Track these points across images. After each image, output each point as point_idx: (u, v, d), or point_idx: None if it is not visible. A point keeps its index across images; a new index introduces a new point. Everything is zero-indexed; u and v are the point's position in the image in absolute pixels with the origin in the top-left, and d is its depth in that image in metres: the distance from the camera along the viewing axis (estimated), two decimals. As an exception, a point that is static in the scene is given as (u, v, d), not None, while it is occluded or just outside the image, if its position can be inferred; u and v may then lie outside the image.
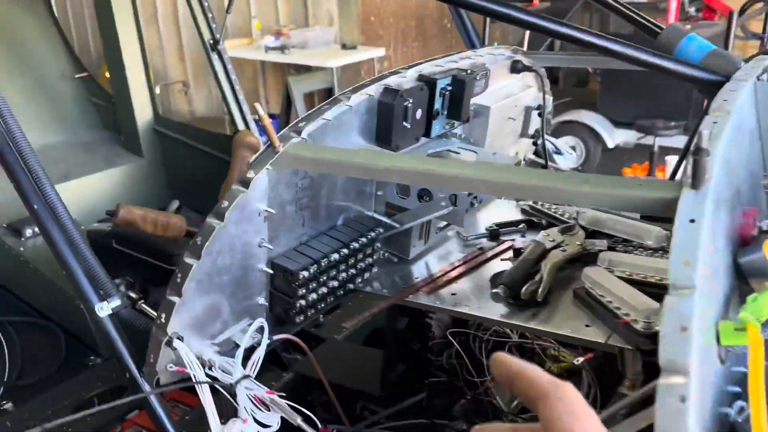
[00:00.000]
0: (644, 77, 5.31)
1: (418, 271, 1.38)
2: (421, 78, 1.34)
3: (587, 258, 1.30)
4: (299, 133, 1.07)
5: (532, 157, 1.95)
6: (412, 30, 6.67)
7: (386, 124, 1.26)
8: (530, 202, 1.59)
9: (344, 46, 5.92)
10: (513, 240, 1.46)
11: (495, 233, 1.49)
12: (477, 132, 1.58)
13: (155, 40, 6.55)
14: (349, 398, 1.72)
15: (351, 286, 1.28)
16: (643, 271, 1.17)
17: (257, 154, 1.04)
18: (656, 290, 1.12)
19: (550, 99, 1.72)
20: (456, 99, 1.40)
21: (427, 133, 1.39)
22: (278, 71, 6.73)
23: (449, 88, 1.38)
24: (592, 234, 1.39)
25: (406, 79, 1.31)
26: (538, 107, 1.74)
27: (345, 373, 1.69)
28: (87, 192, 3.03)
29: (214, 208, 0.99)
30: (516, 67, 1.73)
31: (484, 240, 1.49)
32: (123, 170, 3.21)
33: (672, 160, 5.73)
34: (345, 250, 1.21)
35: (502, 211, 1.61)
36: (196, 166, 3.21)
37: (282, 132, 1.07)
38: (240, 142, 1.90)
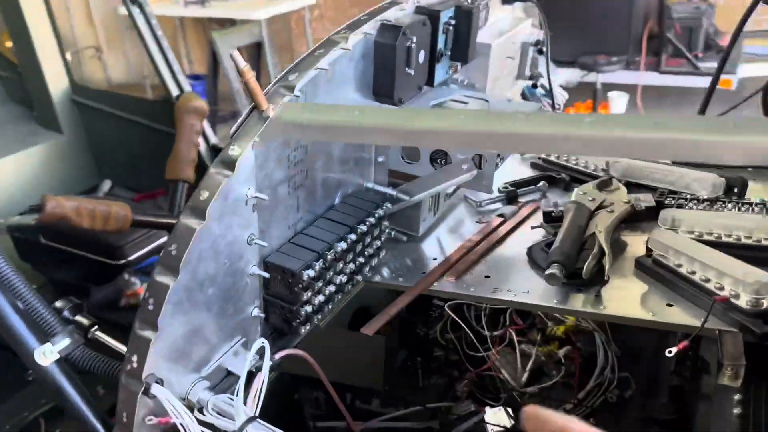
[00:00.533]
0: (583, 12, 5.17)
1: (432, 249, 1.14)
2: (420, 10, 1.08)
3: (634, 217, 1.10)
4: (292, 89, 0.79)
5: (521, 101, 1.72)
6: (341, -26, 6.27)
7: (387, 72, 1.00)
8: (543, 154, 1.36)
9: (271, -5, 5.49)
10: (536, 201, 1.24)
11: (512, 195, 1.26)
12: (476, 75, 1.33)
13: (60, 3, 5.91)
14: (340, 391, 1.50)
15: (359, 278, 1.03)
16: (717, 228, 0.97)
17: (240, 120, 0.77)
18: (737, 252, 0.93)
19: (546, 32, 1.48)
20: (461, 35, 1.14)
21: (429, 81, 1.13)
22: (200, 27, 6.23)
23: (452, 21, 1.12)
24: (627, 186, 1.18)
25: (405, 13, 1.04)
26: (537, 43, 1.50)
27: (339, 367, 1.45)
28: (1, 179, 2.62)
29: (188, 203, 0.72)
30: (508, -3, 1.48)
31: (499, 204, 1.26)
32: (41, 150, 2.80)
33: (615, 95, 5.66)
34: (352, 236, 0.96)
35: (507, 166, 1.38)
36: (124, 138, 2.83)
37: (268, 88, 0.79)
38: (185, 108, 1.59)
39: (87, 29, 6.21)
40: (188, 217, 0.71)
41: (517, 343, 1.44)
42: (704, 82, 5.54)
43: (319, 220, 0.98)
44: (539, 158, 1.36)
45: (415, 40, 1.01)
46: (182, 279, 0.72)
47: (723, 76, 5.49)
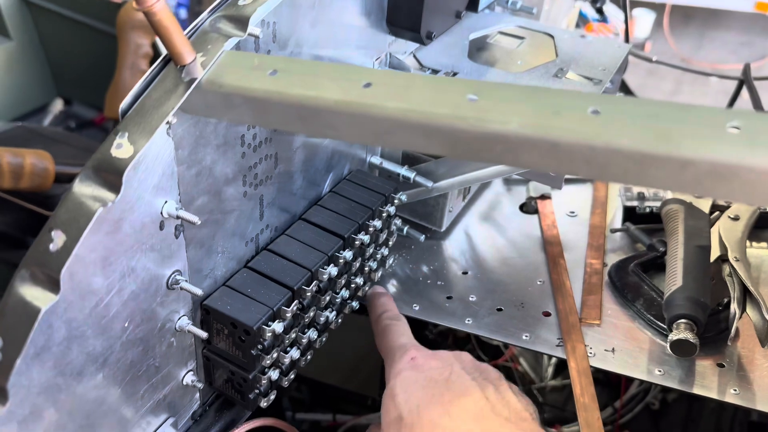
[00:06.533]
0: None
1: (460, 252, 0.80)
2: None
3: (758, 222, 0.75)
4: (243, 23, 0.43)
5: (603, 37, 1.34)
6: None
7: (411, -10, 0.62)
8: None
9: None
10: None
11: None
12: (529, -5, 0.95)
13: None
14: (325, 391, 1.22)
15: (354, 304, 0.70)
16: None
17: (140, 82, 0.40)
18: None
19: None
20: (523, -66, 0.75)
21: (472, 4, 0.76)
22: None
23: None
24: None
25: None
26: (608, -50, 1.10)
27: (323, 364, 1.16)
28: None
29: (27, 255, 0.37)
30: None
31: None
32: (-15, 57, 2.38)
33: (640, 13, 5.16)
34: (347, 253, 0.61)
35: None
36: (84, 46, 2.39)
37: (198, 22, 0.43)
38: (128, 21, 1.20)
39: None
40: (25, 284, 0.36)
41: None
42: (737, 3, 5.04)
43: (296, 225, 0.63)
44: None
45: (457, -62, 0.63)
46: (27, 390, 0.38)
47: (758, -1, 4.95)
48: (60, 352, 0.41)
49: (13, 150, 1.03)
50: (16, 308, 0.36)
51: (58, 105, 2.21)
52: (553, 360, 1.19)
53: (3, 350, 0.36)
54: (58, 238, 0.36)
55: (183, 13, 4.34)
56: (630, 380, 1.12)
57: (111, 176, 0.37)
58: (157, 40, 1.27)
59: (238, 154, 0.51)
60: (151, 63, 1.25)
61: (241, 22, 0.42)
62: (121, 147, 0.38)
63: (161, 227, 0.45)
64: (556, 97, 0.33)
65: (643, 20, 5.24)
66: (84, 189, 0.37)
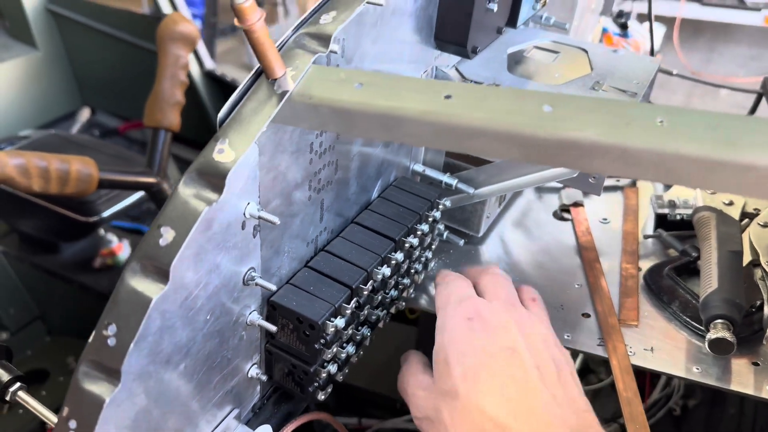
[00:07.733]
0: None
1: (497, 257, 0.83)
2: None
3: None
4: (325, 40, 0.46)
5: (631, 52, 1.37)
6: None
7: (461, 4, 0.66)
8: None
9: None
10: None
11: (603, 180, 0.94)
12: (560, 10, 0.99)
13: None
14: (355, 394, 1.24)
15: (402, 304, 0.73)
16: None
17: (236, 93, 0.44)
18: None
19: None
20: (561, -45, 0.79)
21: (511, 20, 0.79)
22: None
23: (549, -67, 0.77)
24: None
25: None
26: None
27: (356, 372, 1.18)
28: (-35, 99, 2.28)
29: (136, 251, 0.40)
30: None
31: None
32: (12, 67, 2.42)
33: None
34: (398, 255, 0.65)
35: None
36: (109, 57, 2.45)
37: (284, 38, 0.46)
38: (168, 33, 1.24)
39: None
40: (137, 276, 0.40)
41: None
42: (747, 18, 5.07)
43: (350, 228, 0.66)
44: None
45: (504, -42, 0.66)
46: (129, 375, 0.42)
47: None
48: (154, 341, 0.44)
49: (60, 156, 1.07)
50: (129, 297, 0.39)
51: (85, 113, 2.27)
52: (576, 365, 1.22)
53: (117, 336, 0.39)
54: (167, 234, 0.40)
55: (198, 24, 4.39)
56: (652, 385, 1.14)
57: (214, 179, 0.41)
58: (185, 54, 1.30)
59: (306, 161, 0.55)
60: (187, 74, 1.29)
61: (324, 39, 0.46)
62: (222, 152, 0.41)
63: (243, 227, 0.49)
64: (625, 108, 0.37)
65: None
66: (188, 190, 0.41)
